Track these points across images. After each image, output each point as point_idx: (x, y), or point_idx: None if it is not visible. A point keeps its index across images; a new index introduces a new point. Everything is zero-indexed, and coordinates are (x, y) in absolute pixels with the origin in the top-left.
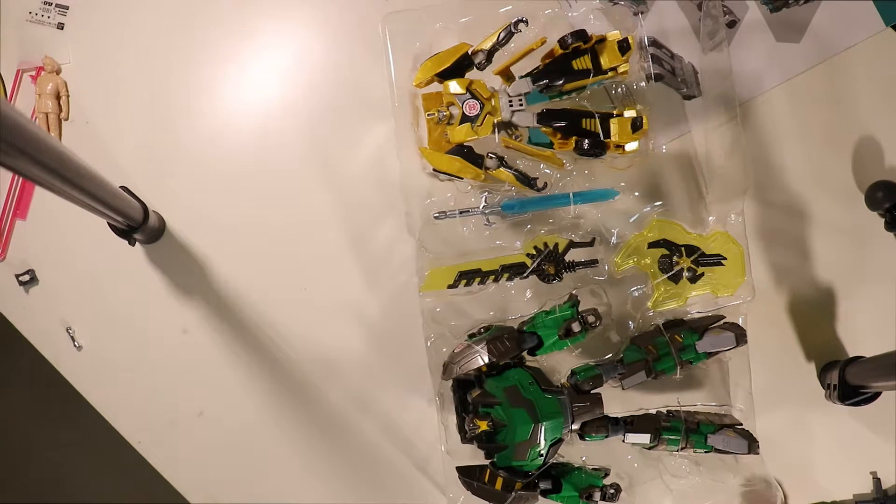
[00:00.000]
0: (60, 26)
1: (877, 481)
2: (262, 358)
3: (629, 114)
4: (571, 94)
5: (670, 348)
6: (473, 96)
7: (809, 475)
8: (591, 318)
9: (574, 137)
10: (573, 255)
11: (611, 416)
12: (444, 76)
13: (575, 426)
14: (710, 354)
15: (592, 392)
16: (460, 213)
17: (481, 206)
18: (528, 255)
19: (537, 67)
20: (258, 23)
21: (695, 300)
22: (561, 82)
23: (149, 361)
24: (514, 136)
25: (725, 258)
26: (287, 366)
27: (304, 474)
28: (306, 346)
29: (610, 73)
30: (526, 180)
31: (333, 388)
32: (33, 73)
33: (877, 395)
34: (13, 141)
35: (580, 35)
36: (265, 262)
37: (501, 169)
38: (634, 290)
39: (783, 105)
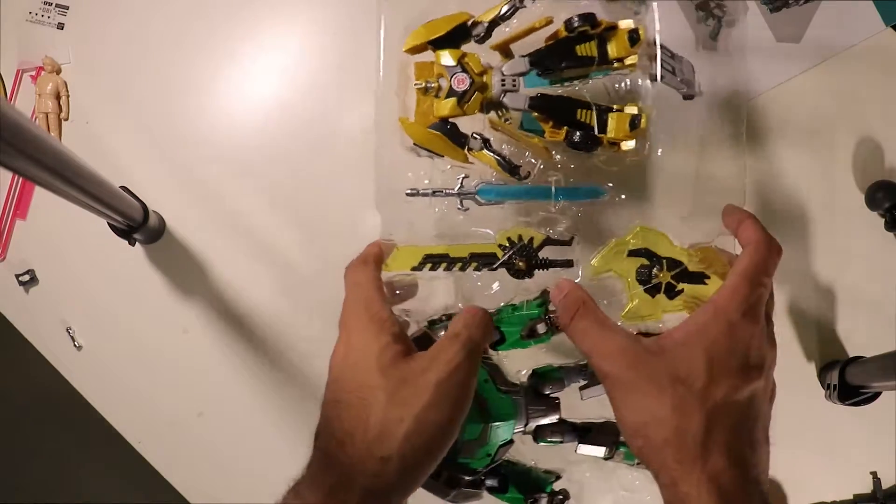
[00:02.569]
0: (60, 26)
1: (877, 481)
2: (263, 358)
3: (630, 109)
4: (573, 82)
5: None
6: (464, 70)
7: (809, 475)
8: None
9: (566, 128)
10: (549, 253)
11: (568, 420)
12: (437, 45)
13: (529, 428)
14: None
15: (551, 395)
16: (433, 192)
17: (456, 189)
18: (500, 245)
19: (539, 49)
20: (258, 22)
21: (670, 317)
22: (561, 66)
23: (149, 361)
24: (504, 119)
25: (709, 277)
26: (287, 365)
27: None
28: (307, 346)
29: (616, 65)
30: (509, 167)
31: None
32: (33, 73)
33: (877, 395)
34: (13, 141)
35: (588, 18)
36: (266, 262)
37: (485, 151)
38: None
39: (783, 105)
